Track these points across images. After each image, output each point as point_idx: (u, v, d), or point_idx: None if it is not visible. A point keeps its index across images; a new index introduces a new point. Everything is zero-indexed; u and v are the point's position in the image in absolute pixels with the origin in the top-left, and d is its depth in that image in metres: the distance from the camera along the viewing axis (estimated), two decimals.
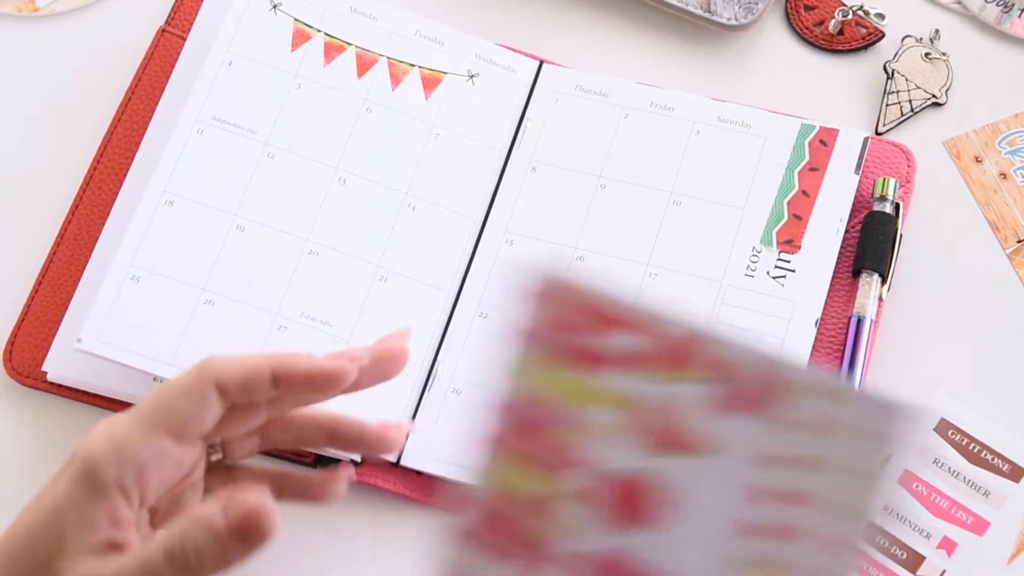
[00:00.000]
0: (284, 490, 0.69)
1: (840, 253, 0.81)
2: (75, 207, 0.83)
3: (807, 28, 0.89)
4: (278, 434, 0.69)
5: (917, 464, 0.79)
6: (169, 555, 0.57)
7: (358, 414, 0.77)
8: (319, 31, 0.85)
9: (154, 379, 0.77)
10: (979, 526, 0.77)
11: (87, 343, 0.77)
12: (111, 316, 0.78)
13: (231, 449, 0.68)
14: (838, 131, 0.82)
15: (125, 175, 0.83)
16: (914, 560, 0.77)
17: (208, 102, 0.82)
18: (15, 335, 0.81)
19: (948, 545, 0.77)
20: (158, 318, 0.78)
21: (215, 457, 0.67)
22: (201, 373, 0.61)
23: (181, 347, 0.77)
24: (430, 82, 0.85)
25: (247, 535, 0.57)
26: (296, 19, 0.85)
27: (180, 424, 0.61)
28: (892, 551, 0.77)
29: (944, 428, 0.79)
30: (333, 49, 0.85)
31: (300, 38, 0.85)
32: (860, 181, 0.82)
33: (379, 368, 0.67)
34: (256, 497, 0.57)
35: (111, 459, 0.58)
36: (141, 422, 0.60)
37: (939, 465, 0.79)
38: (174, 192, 0.80)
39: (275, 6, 0.85)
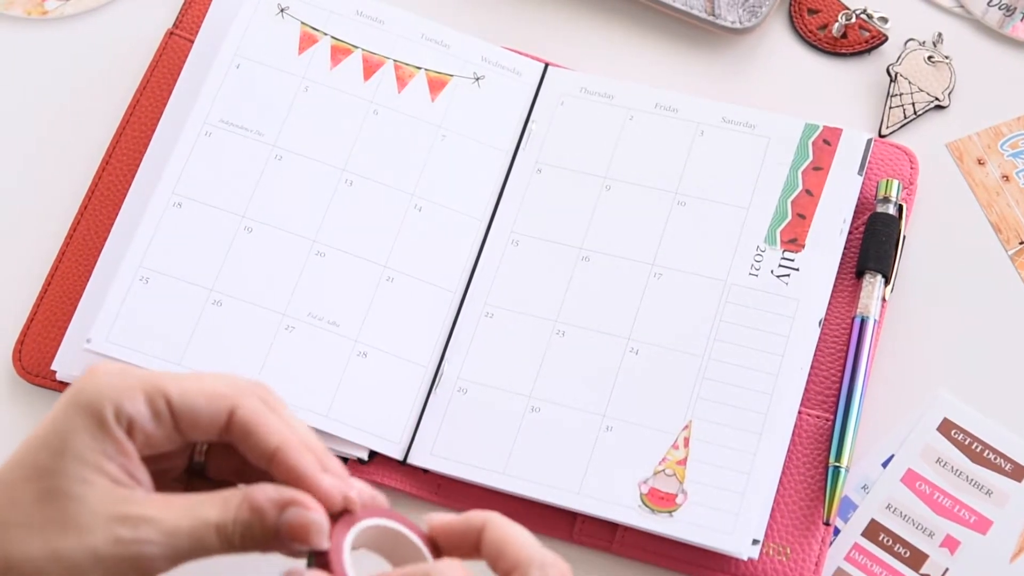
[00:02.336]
0: None
1: (844, 254, 0.82)
2: (84, 208, 0.84)
3: (811, 31, 0.90)
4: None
5: (920, 463, 0.79)
6: (220, 530, 0.57)
7: (364, 414, 0.78)
8: (326, 34, 0.85)
9: None
10: (982, 525, 0.78)
11: (96, 343, 0.78)
12: (120, 317, 0.78)
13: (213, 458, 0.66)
14: (841, 131, 0.83)
15: (133, 176, 0.84)
16: (917, 558, 0.77)
17: (216, 105, 0.83)
18: (24, 334, 0.81)
19: (951, 543, 0.77)
20: (167, 319, 0.79)
21: (199, 458, 0.65)
22: (232, 393, 0.59)
23: (189, 347, 0.78)
24: (436, 84, 0.85)
25: (293, 539, 0.57)
26: (303, 22, 0.86)
27: (183, 411, 0.59)
28: (895, 549, 0.77)
29: (947, 428, 0.80)
30: (340, 52, 0.85)
31: (307, 41, 0.85)
32: (864, 183, 0.83)
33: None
34: (315, 513, 0.58)
35: (108, 398, 0.57)
36: (156, 379, 0.59)
37: (942, 464, 0.79)
38: (182, 194, 0.81)
39: (282, 10, 0.86)
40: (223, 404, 0.59)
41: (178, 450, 0.62)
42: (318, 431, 0.77)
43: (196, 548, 0.57)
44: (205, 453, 0.64)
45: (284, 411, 0.61)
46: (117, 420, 0.57)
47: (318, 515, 0.58)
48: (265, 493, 0.58)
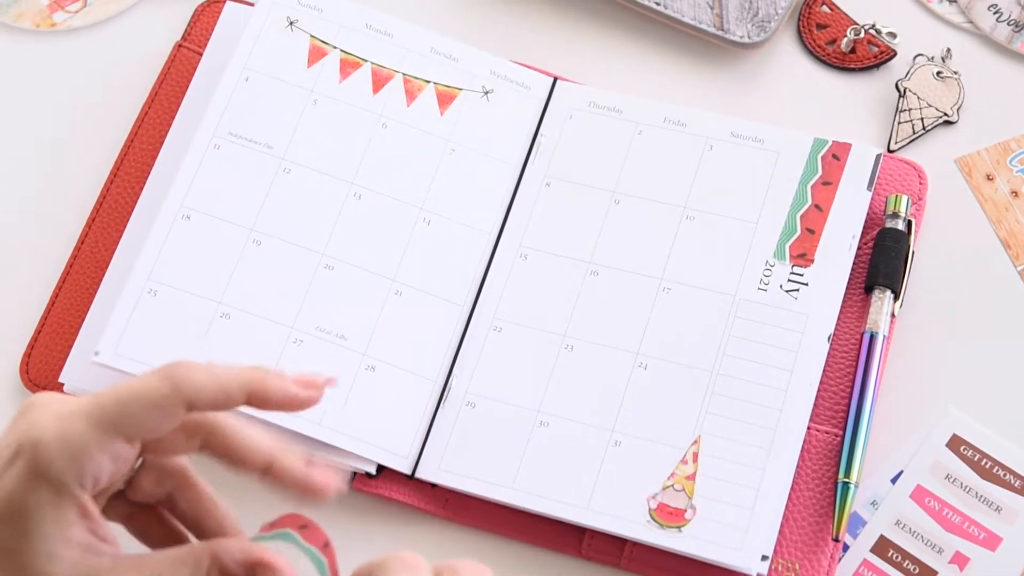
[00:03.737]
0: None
1: (853, 270, 0.81)
2: (92, 220, 0.84)
3: (819, 46, 0.90)
4: (213, 452, 0.63)
5: (930, 479, 0.79)
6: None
7: (372, 428, 0.78)
8: (335, 48, 0.85)
9: None
10: (991, 541, 0.77)
11: (104, 356, 0.78)
12: (128, 329, 0.78)
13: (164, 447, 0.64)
14: (850, 145, 0.83)
15: (141, 189, 0.84)
16: (926, 575, 0.77)
17: (225, 117, 0.83)
18: (32, 347, 0.81)
19: (960, 560, 0.77)
20: (175, 331, 0.79)
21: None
22: (174, 388, 0.58)
23: (198, 360, 0.78)
24: (445, 98, 0.85)
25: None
26: (312, 36, 0.86)
27: (139, 433, 0.58)
28: (905, 566, 0.77)
29: (956, 444, 0.79)
30: (349, 65, 0.85)
31: (316, 54, 0.85)
32: (873, 198, 0.83)
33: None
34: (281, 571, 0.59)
35: (68, 464, 0.56)
36: (101, 425, 0.57)
37: (951, 481, 0.79)
38: (191, 207, 0.81)
39: (291, 23, 0.86)
40: (175, 404, 0.58)
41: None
42: (326, 444, 0.77)
43: None
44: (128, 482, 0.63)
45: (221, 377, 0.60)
46: (80, 485, 0.57)
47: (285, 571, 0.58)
48: (231, 555, 0.58)
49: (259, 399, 0.60)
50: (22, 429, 0.57)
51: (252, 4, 0.87)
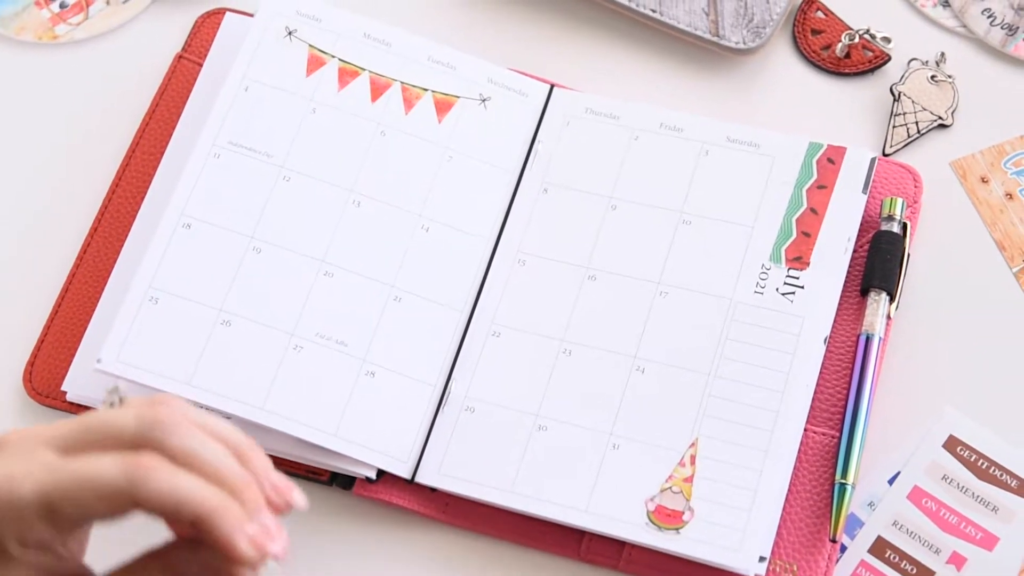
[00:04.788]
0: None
1: (849, 272, 0.82)
2: (94, 230, 0.85)
3: (814, 52, 0.90)
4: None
5: (926, 480, 0.79)
6: None
7: (372, 433, 0.78)
8: (333, 57, 0.86)
9: None
10: (988, 541, 0.78)
11: (106, 364, 0.78)
12: (130, 337, 0.79)
13: None
14: (845, 149, 0.83)
15: (143, 198, 0.84)
16: (924, 575, 0.77)
17: (225, 127, 0.84)
18: (35, 355, 0.82)
19: (957, 560, 0.77)
20: (176, 339, 0.79)
21: None
22: (127, 483, 0.55)
23: (199, 367, 0.78)
24: (443, 106, 0.86)
25: None
26: (311, 45, 0.86)
27: (82, 517, 0.56)
28: (902, 566, 0.77)
29: (953, 444, 0.80)
30: (347, 74, 0.86)
31: (315, 64, 0.86)
32: (868, 201, 0.83)
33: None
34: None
35: (7, 528, 0.56)
36: (46, 501, 0.55)
37: (948, 481, 0.79)
38: (191, 215, 0.82)
39: (290, 32, 0.86)
40: (123, 502, 0.55)
41: None
42: (326, 450, 0.78)
43: None
44: None
45: (197, 451, 0.57)
46: (21, 546, 0.56)
47: None
48: (184, 562, 0.57)
49: (203, 527, 0.56)
50: None
51: (252, 15, 0.88)
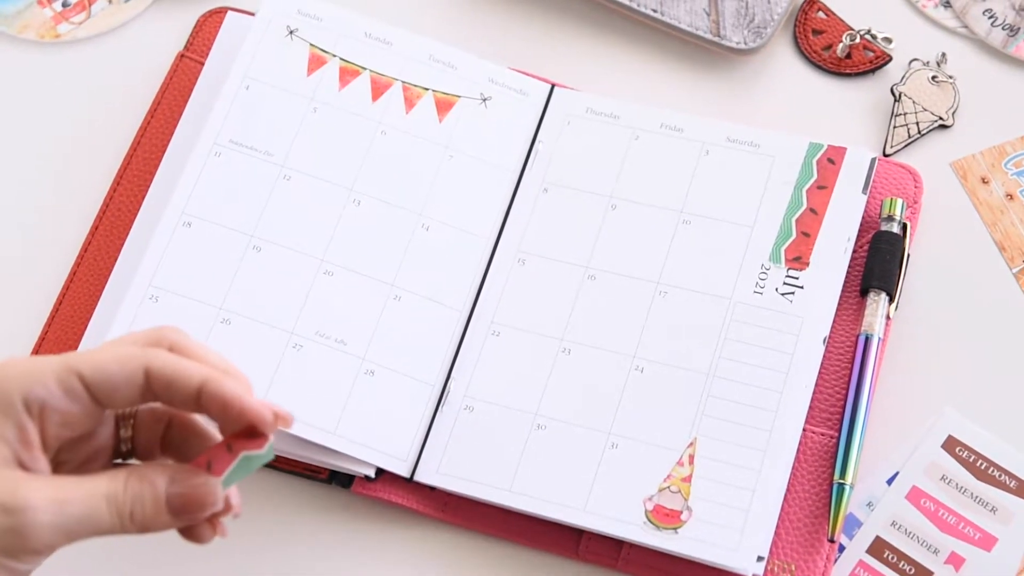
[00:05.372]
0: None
1: (848, 272, 0.82)
2: (95, 227, 0.85)
3: (815, 52, 0.90)
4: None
5: (925, 480, 0.79)
6: (111, 498, 0.58)
7: (371, 431, 0.78)
8: (335, 56, 0.86)
9: None
10: (986, 542, 0.78)
11: None
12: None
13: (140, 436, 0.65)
14: (846, 149, 0.83)
15: (144, 196, 0.85)
16: (922, 575, 0.77)
17: (226, 125, 0.84)
18: (37, 351, 0.82)
19: (956, 560, 0.77)
20: None
21: (125, 432, 0.64)
22: (141, 352, 0.59)
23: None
24: (444, 105, 0.86)
25: (180, 513, 0.59)
26: (312, 44, 0.86)
27: (98, 384, 0.59)
28: (900, 567, 0.77)
29: (952, 445, 0.80)
30: (348, 73, 0.86)
31: (316, 63, 0.86)
32: (868, 202, 0.83)
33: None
34: (202, 482, 0.59)
35: (21, 380, 0.58)
36: (65, 358, 0.59)
37: (947, 481, 0.79)
38: (192, 213, 0.82)
39: (291, 32, 0.86)
40: (136, 364, 0.59)
41: (103, 428, 0.62)
42: (325, 448, 0.78)
43: (87, 520, 0.58)
44: (132, 427, 0.63)
45: (199, 350, 0.61)
46: (26, 407, 0.57)
47: (200, 489, 0.59)
48: (152, 468, 0.59)
49: (213, 400, 0.59)
50: None
51: (254, 14, 0.88)
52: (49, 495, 0.57)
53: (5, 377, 0.58)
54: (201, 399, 0.59)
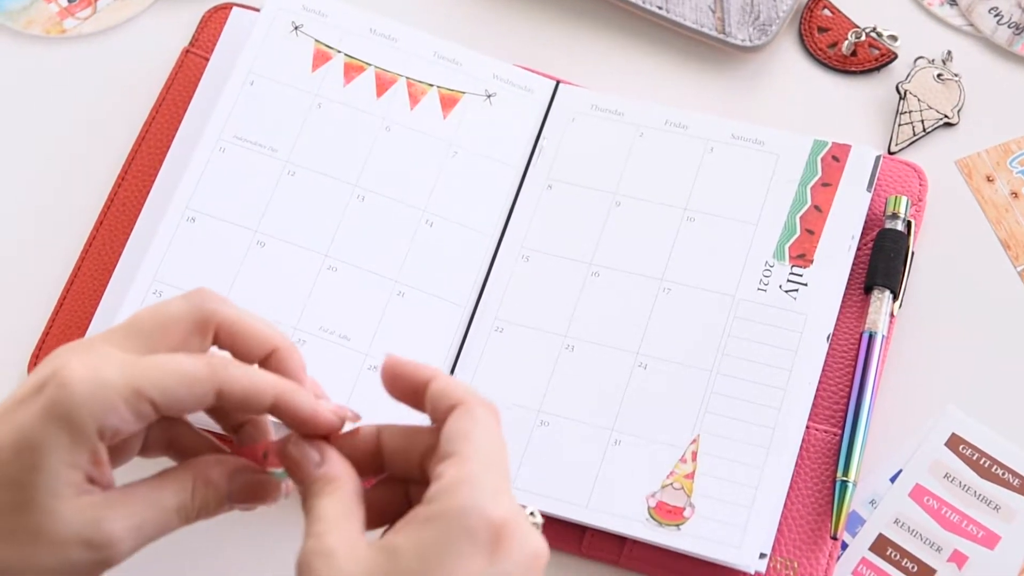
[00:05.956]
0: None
1: (852, 270, 0.82)
2: (100, 221, 0.85)
3: (821, 49, 0.90)
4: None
5: (928, 478, 0.79)
6: (180, 511, 0.60)
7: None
8: (339, 52, 0.86)
9: None
10: (990, 540, 0.78)
11: None
12: None
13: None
14: (850, 147, 0.83)
15: (149, 191, 0.85)
16: (925, 573, 0.77)
17: (230, 121, 0.84)
18: (42, 344, 0.82)
19: (959, 558, 0.77)
20: None
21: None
22: (211, 374, 0.59)
23: None
24: (448, 102, 0.86)
25: (243, 502, 0.62)
26: (317, 40, 0.86)
27: (167, 407, 0.59)
28: (903, 564, 0.77)
29: (955, 443, 0.80)
30: (353, 69, 0.86)
31: (320, 59, 0.86)
32: (872, 199, 0.83)
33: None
34: (263, 479, 0.62)
35: (93, 412, 0.57)
36: (133, 383, 0.57)
37: (950, 479, 0.79)
38: (196, 209, 0.82)
39: (296, 28, 0.87)
40: (206, 388, 0.58)
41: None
42: None
43: (159, 532, 0.60)
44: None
45: (249, 322, 0.62)
46: (100, 435, 0.57)
47: (262, 478, 0.61)
48: (212, 468, 0.61)
49: (286, 411, 0.60)
50: (52, 366, 0.57)
51: (259, 10, 0.88)
52: (128, 524, 0.58)
53: (76, 404, 0.56)
54: (272, 412, 0.60)
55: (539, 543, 0.57)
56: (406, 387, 0.62)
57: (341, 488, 0.59)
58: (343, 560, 0.56)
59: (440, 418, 0.60)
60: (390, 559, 0.56)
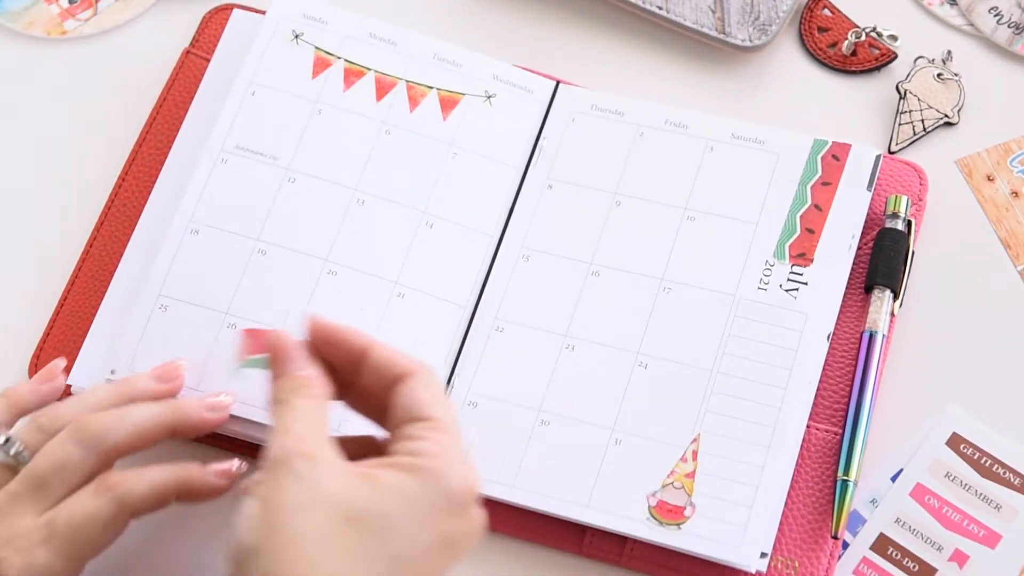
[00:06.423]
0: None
1: (853, 269, 0.82)
2: (100, 224, 0.85)
3: (821, 49, 0.90)
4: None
5: (929, 477, 0.79)
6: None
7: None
8: (339, 58, 0.86)
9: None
10: (991, 539, 0.78)
11: (121, 374, 0.78)
12: (141, 344, 0.79)
13: None
14: (850, 146, 0.83)
15: (149, 193, 0.85)
16: (926, 573, 0.77)
17: (232, 132, 0.84)
18: (41, 349, 0.82)
19: (960, 558, 0.77)
20: (186, 344, 0.79)
21: None
22: (119, 508, 0.68)
23: (207, 372, 0.79)
24: (448, 103, 0.86)
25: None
26: (317, 47, 0.86)
27: (96, 552, 0.68)
28: (904, 563, 0.77)
29: (956, 442, 0.80)
30: (353, 74, 0.86)
31: (321, 65, 0.86)
32: (873, 199, 0.83)
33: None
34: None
35: None
36: (62, 554, 0.67)
37: (951, 479, 0.79)
38: (199, 221, 0.82)
39: (297, 36, 0.87)
40: (123, 521, 0.69)
41: None
42: None
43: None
44: None
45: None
46: None
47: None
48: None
49: (188, 494, 0.71)
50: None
51: (260, 11, 0.88)
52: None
53: None
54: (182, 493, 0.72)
55: (483, 516, 0.65)
56: (340, 354, 0.68)
57: (320, 396, 0.66)
58: (325, 470, 0.61)
59: (386, 384, 0.66)
60: (375, 490, 0.61)
